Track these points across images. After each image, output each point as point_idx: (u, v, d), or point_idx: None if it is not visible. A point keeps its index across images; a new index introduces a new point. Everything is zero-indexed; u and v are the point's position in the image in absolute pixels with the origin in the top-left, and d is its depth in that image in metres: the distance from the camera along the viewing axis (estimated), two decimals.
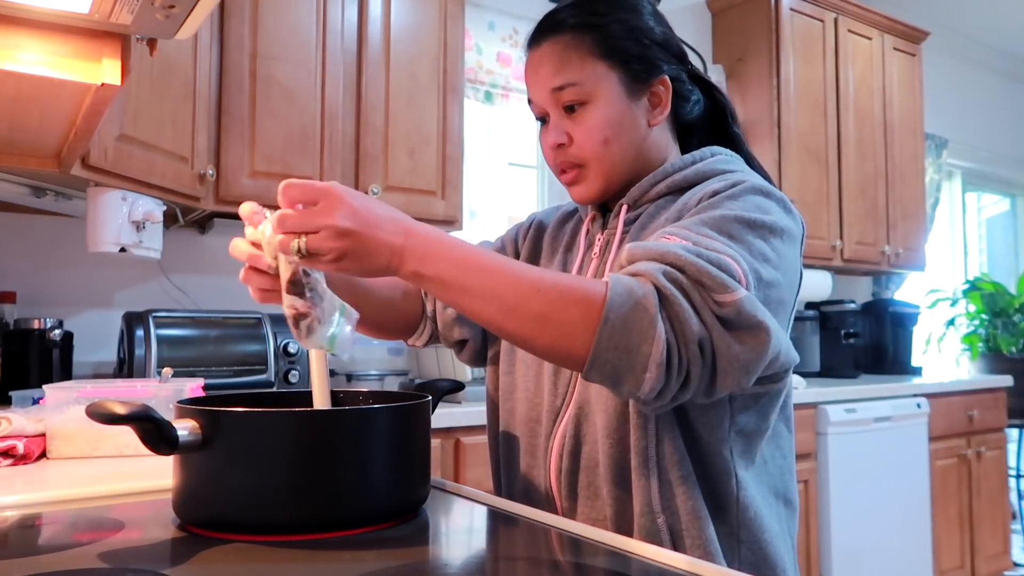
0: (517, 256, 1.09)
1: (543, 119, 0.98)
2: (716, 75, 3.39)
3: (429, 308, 1.08)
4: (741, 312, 0.71)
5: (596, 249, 0.98)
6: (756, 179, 0.88)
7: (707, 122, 1.03)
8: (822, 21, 3.44)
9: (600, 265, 0.96)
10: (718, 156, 0.97)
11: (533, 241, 1.09)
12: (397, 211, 0.74)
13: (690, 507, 0.84)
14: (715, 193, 0.86)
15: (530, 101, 0.99)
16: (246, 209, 0.80)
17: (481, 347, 1.08)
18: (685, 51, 1.01)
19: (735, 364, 0.72)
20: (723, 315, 0.71)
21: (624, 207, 0.96)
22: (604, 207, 1.02)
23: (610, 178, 0.95)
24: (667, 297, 0.71)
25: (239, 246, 0.80)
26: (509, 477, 1.01)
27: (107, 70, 0.92)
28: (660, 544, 0.83)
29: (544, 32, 0.95)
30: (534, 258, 1.07)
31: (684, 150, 1.01)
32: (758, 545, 0.87)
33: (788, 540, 0.93)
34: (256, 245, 0.79)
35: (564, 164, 0.96)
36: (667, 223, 0.90)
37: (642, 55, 0.94)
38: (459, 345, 1.08)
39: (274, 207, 0.74)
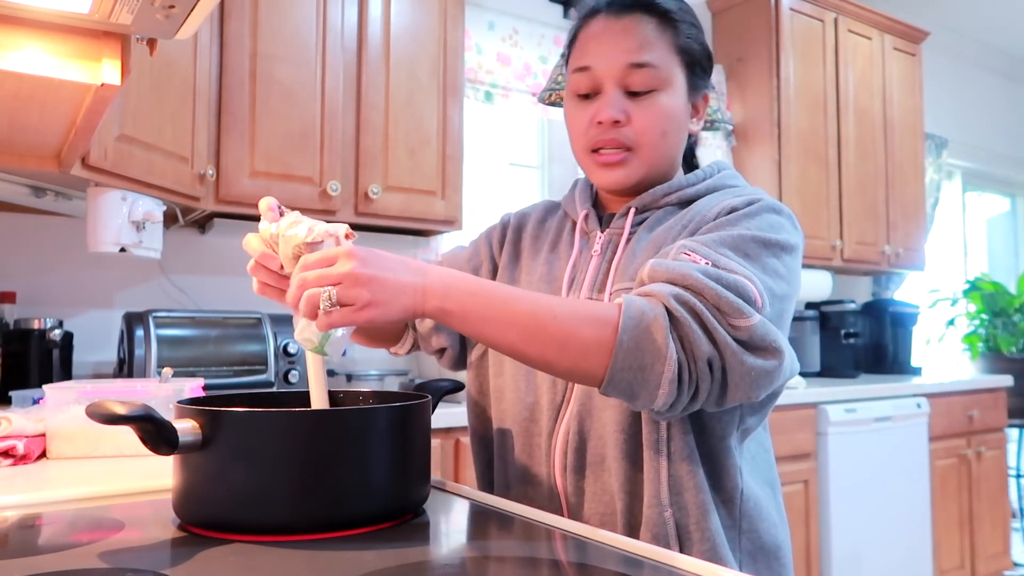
0: (493, 259, 1.09)
1: (586, 95, 0.95)
2: (716, 75, 3.39)
3: None
4: (754, 336, 0.76)
5: (597, 247, 0.97)
6: (768, 197, 0.91)
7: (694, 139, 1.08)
8: (822, 21, 3.44)
9: (602, 263, 0.96)
10: (724, 172, 1.00)
11: (513, 242, 1.08)
12: (408, 257, 0.77)
13: (699, 500, 0.85)
14: (733, 209, 0.88)
15: (578, 69, 0.95)
16: (264, 205, 0.81)
17: (460, 354, 1.08)
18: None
19: (746, 379, 0.76)
20: (738, 337, 0.76)
21: (633, 209, 0.97)
22: (596, 206, 1.03)
23: (651, 170, 0.95)
24: (677, 319, 0.75)
25: (252, 243, 0.81)
26: (504, 479, 1.01)
27: (107, 70, 0.92)
28: (666, 537, 0.84)
29: (630, 5, 0.93)
30: (515, 258, 1.06)
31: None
32: (756, 534, 0.90)
33: (784, 521, 0.96)
34: (269, 245, 0.80)
35: (613, 143, 0.93)
36: (678, 229, 0.92)
37: (701, 64, 0.97)
38: (439, 353, 1.09)
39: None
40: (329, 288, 0.71)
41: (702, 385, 0.76)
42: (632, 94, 0.93)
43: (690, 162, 1.07)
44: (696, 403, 0.78)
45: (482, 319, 0.75)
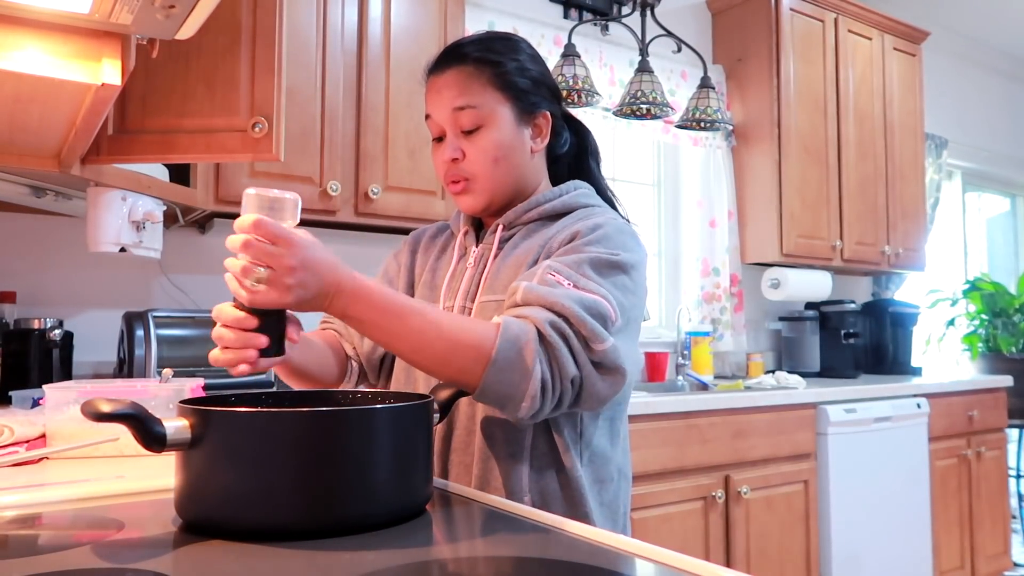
0: (410, 270, 1.23)
1: (439, 138, 1.11)
2: (716, 75, 3.39)
3: (349, 350, 1.19)
4: (605, 359, 0.91)
5: (471, 259, 1.13)
6: (612, 220, 1.05)
7: (572, 156, 1.22)
8: (822, 21, 3.44)
9: (475, 275, 1.11)
10: (580, 191, 1.15)
11: (408, 254, 1.26)
12: (337, 263, 0.85)
13: (554, 487, 1.00)
14: (578, 234, 1.02)
15: (428, 117, 1.11)
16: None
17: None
18: (560, 91, 1.19)
19: (596, 396, 0.94)
20: (593, 359, 0.91)
21: (500, 226, 1.12)
22: (477, 224, 1.18)
23: (494, 194, 1.10)
24: (550, 343, 0.89)
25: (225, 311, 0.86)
26: None
27: (107, 70, 0.92)
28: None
29: (449, 61, 1.10)
30: (411, 265, 1.24)
31: (552, 178, 1.18)
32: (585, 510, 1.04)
33: (613, 517, 1.08)
34: None
35: (456, 176, 1.09)
36: (536, 249, 1.06)
37: (529, 90, 1.10)
38: (380, 361, 1.20)
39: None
40: (258, 272, 0.80)
41: (564, 398, 0.92)
42: (466, 133, 1.08)
43: (555, 175, 1.19)
44: (558, 411, 0.94)
45: (378, 328, 0.88)
